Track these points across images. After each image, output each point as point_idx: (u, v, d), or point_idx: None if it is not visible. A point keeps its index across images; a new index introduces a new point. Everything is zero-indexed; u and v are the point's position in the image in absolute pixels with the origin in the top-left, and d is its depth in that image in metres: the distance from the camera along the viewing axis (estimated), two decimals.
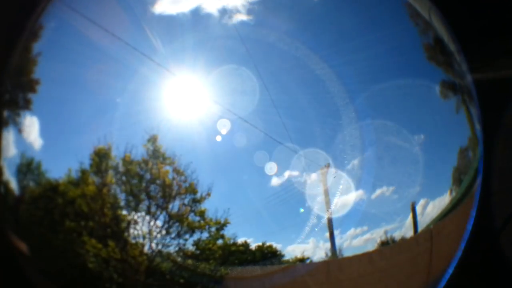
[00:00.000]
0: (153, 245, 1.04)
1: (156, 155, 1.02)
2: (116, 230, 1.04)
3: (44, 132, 1.08)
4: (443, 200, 1.11)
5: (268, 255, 1.05)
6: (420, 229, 1.09)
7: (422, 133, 1.08)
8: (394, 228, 1.07)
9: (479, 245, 1.30)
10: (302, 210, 1.04)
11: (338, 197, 1.05)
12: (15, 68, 1.16)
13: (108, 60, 1.06)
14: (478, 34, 1.44)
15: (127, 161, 1.02)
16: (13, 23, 1.20)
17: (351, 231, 1.05)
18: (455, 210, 1.13)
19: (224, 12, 1.06)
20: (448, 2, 1.21)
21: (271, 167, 1.03)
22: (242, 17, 1.07)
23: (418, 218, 1.09)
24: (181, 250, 1.04)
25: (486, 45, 1.46)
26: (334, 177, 1.04)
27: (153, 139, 1.02)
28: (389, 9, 1.14)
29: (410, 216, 1.08)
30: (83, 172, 1.04)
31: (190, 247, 1.04)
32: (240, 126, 1.03)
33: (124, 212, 1.04)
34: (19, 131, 1.10)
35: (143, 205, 1.03)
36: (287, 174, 1.03)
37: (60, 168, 1.05)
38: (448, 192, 1.12)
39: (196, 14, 1.07)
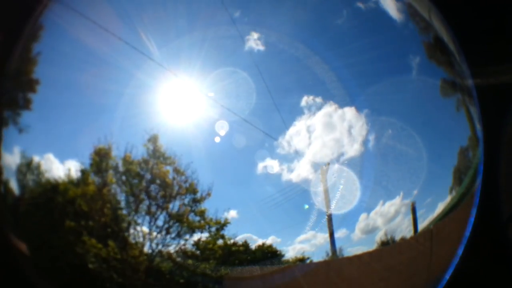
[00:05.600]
0: (153, 245, 1.04)
1: (157, 155, 1.02)
2: (116, 230, 1.04)
3: (44, 132, 1.08)
4: (443, 200, 1.11)
5: (268, 255, 1.05)
6: (420, 229, 1.09)
7: (423, 133, 1.08)
8: (394, 228, 1.07)
9: (488, 235, 1.31)
10: (306, 206, 1.04)
11: (338, 196, 1.05)
12: (15, 68, 1.16)
13: (108, 63, 1.06)
14: (479, 38, 1.44)
15: (127, 161, 1.02)
16: (12, 24, 1.21)
17: (351, 231, 1.06)
18: (455, 210, 1.13)
19: (224, 12, 1.06)
20: (449, 5, 1.21)
21: (272, 167, 1.03)
22: (242, 17, 1.07)
23: (418, 218, 1.09)
24: (181, 250, 1.04)
25: (488, 49, 1.46)
26: (335, 176, 1.04)
27: (153, 139, 1.02)
28: (389, 10, 1.14)
29: (410, 216, 1.08)
30: (83, 172, 1.04)
31: (190, 247, 1.04)
32: (241, 126, 1.03)
33: (124, 212, 1.04)
34: (19, 131, 1.10)
35: (143, 205, 1.03)
36: (287, 173, 1.03)
37: (60, 168, 1.05)
38: (448, 192, 1.12)
39: (196, 14, 1.07)
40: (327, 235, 1.05)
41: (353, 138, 1.05)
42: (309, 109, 1.04)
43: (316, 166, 1.04)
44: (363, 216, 1.06)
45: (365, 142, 1.05)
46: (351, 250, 1.06)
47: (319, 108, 1.04)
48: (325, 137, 1.04)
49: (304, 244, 1.04)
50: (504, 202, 1.41)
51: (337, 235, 1.05)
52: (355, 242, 1.06)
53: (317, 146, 1.04)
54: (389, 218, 1.07)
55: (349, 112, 1.05)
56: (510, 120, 1.43)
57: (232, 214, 1.02)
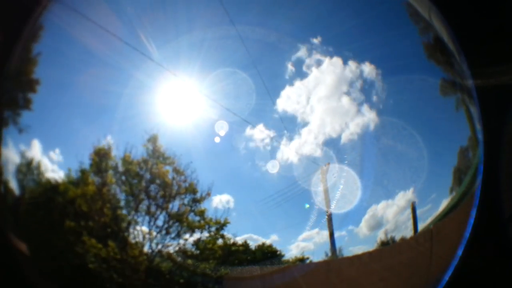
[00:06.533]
0: (153, 245, 1.04)
1: (156, 155, 1.02)
2: (116, 230, 1.04)
3: (44, 132, 1.08)
4: (443, 200, 1.11)
5: (268, 255, 1.05)
6: (420, 229, 1.09)
7: (423, 133, 1.08)
8: (394, 228, 1.07)
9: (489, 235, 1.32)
10: (307, 206, 1.04)
11: (338, 196, 1.05)
12: (15, 68, 1.16)
13: (108, 63, 1.06)
14: (479, 38, 1.44)
15: (127, 161, 1.02)
16: (12, 24, 1.21)
17: (351, 231, 1.05)
18: (455, 210, 1.13)
19: (224, 12, 1.06)
20: (450, 5, 1.21)
21: (272, 166, 1.03)
22: (242, 17, 1.07)
23: (418, 218, 1.09)
24: (181, 250, 1.04)
25: (488, 49, 1.46)
26: (335, 176, 1.04)
27: (153, 139, 1.02)
28: (390, 10, 1.14)
29: (410, 216, 1.08)
30: (83, 172, 1.04)
31: (190, 247, 1.04)
32: (240, 127, 1.03)
33: (124, 212, 1.04)
34: (19, 131, 1.10)
35: (143, 205, 1.04)
36: (288, 173, 1.03)
37: (60, 168, 1.05)
38: (448, 192, 1.12)
39: (195, 15, 1.07)
40: (327, 235, 1.05)
41: (353, 138, 1.05)
42: (308, 105, 1.04)
43: (316, 166, 1.04)
44: (362, 215, 1.06)
45: (365, 143, 1.05)
46: (352, 249, 1.06)
47: (318, 107, 1.05)
48: (325, 136, 1.04)
49: (306, 242, 1.05)
50: (505, 201, 1.41)
51: (337, 234, 1.05)
52: (355, 242, 1.06)
53: (317, 145, 1.04)
54: (389, 218, 1.07)
55: (349, 111, 1.05)
56: (510, 120, 1.43)
57: (232, 214, 1.03)
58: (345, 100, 1.05)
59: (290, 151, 1.03)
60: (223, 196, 1.03)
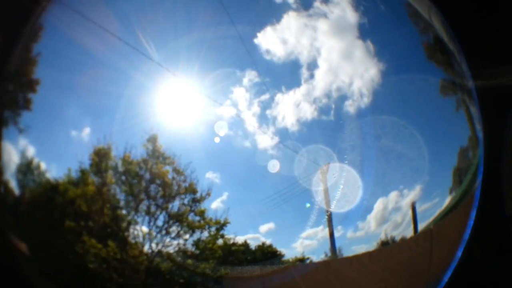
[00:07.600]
0: (153, 245, 1.04)
1: (156, 155, 1.02)
2: (116, 230, 1.04)
3: (44, 132, 1.08)
4: (443, 200, 1.11)
5: (268, 255, 1.05)
6: (420, 229, 1.09)
7: (423, 133, 1.08)
8: (394, 228, 1.07)
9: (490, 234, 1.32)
10: (308, 205, 1.04)
11: (338, 196, 1.05)
12: (15, 69, 1.16)
13: (108, 63, 1.06)
14: (480, 38, 1.44)
15: (127, 161, 1.02)
16: (12, 25, 1.21)
17: (351, 231, 1.05)
18: (455, 210, 1.13)
19: (223, 13, 1.06)
20: (450, 5, 1.22)
21: (273, 165, 1.03)
22: (242, 17, 1.07)
23: (418, 218, 1.09)
24: (181, 250, 1.04)
25: (488, 50, 1.46)
26: (335, 176, 1.04)
27: (153, 139, 1.02)
28: (390, 10, 1.14)
29: (410, 216, 1.08)
30: (83, 172, 1.04)
31: (190, 247, 1.04)
32: (240, 127, 1.03)
33: (124, 212, 1.04)
34: (19, 131, 1.10)
35: (143, 205, 1.04)
36: (288, 173, 1.03)
37: (60, 168, 1.05)
38: (448, 192, 1.12)
39: (195, 15, 1.07)
40: (327, 235, 1.05)
41: (353, 138, 1.05)
42: (309, 107, 1.04)
43: (316, 166, 1.04)
44: (362, 215, 1.06)
45: (365, 142, 1.05)
46: (352, 249, 1.06)
47: (318, 107, 1.05)
48: (326, 136, 1.04)
49: (304, 243, 1.04)
50: (505, 201, 1.41)
51: (337, 234, 1.05)
52: (355, 242, 1.06)
53: (318, 145, 1.04)
54: (388, 218, 1.07)
55: (349, 111, 1.05)
56: (510, 120, 1.43)
57: (232, 213, 1.02)
58: (345, 100, 1.05)
59: (291, 150, 1.04)
60: (223, 196, 1.03)
